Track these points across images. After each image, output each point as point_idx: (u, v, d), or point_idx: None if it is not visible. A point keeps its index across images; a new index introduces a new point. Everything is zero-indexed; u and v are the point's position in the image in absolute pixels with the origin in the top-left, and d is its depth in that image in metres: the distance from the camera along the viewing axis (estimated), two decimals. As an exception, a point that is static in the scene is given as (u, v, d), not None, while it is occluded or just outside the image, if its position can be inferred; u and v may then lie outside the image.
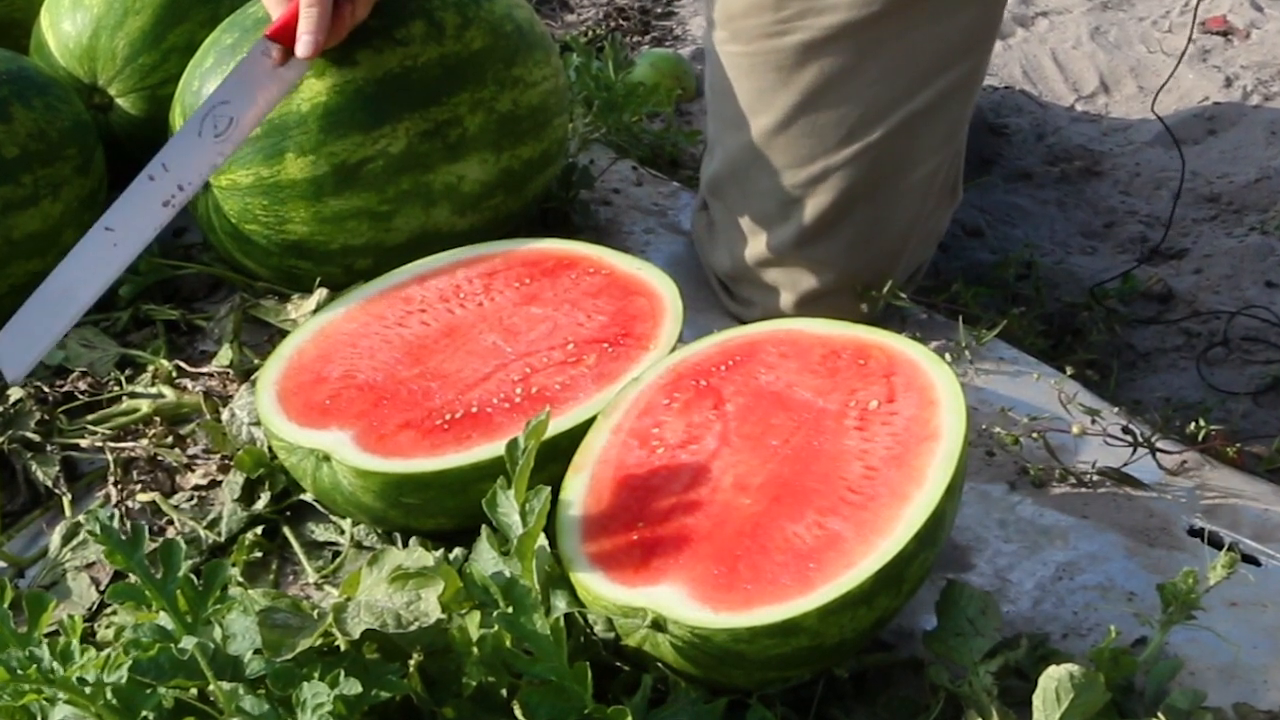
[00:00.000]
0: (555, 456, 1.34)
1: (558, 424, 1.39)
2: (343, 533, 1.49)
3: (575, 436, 1.38)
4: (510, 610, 1.18)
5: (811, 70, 1.75)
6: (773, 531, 1.26)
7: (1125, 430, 1.61)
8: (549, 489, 1.24)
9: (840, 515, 1.27)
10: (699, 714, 1.21)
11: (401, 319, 1.55)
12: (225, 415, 1.59)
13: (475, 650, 1.19)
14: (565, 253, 1.64)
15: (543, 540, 1.26)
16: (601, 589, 1.24)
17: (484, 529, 1.27)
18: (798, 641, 1.21)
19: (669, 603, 1.21)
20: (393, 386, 1.46)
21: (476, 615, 1.21)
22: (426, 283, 1.60)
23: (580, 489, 1.32)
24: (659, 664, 1.24)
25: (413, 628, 1.19)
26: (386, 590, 1.22)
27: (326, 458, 1.40)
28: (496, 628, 1.19)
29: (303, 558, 1.48)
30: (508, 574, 1.22)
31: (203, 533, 1.50)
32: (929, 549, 1.28)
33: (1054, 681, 1.17)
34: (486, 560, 1.26)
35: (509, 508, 1.24)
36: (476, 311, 1.56)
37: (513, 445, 1.25)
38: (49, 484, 1.58)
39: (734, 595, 1.21)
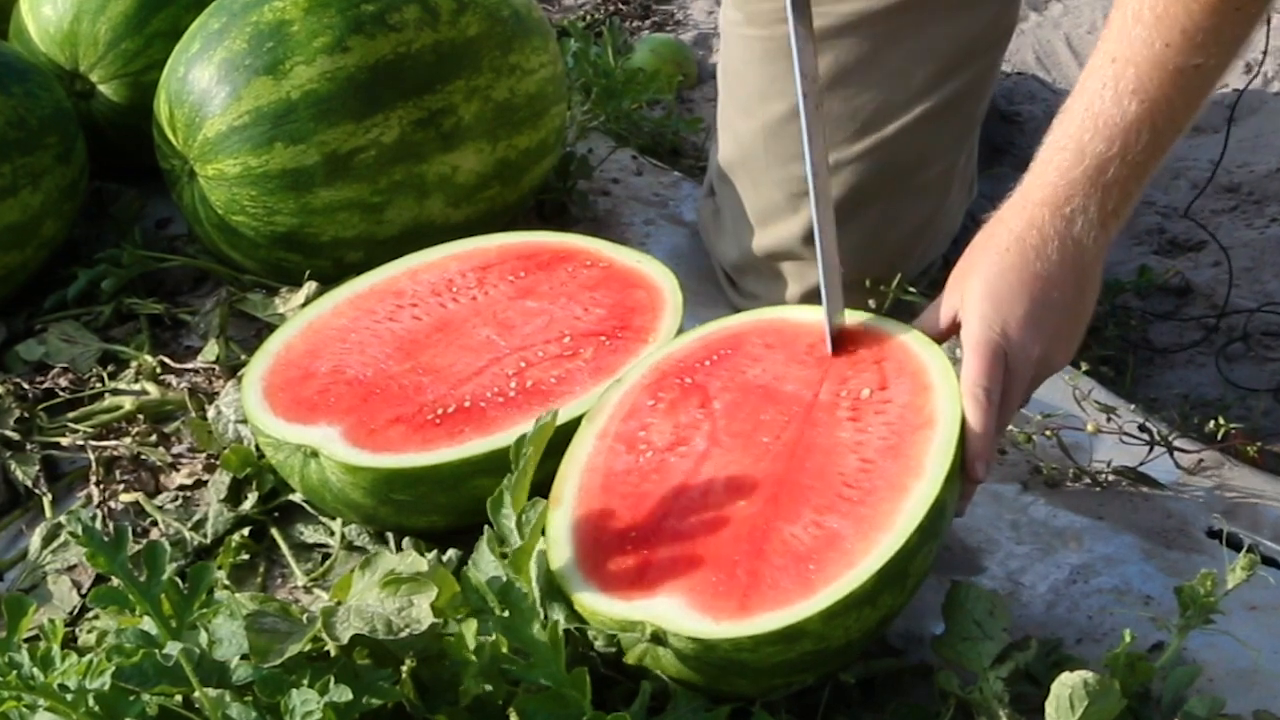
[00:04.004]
0: (551, 452, 1.34)
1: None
2: (333, 534, 1.48)
3: (571, 431, 1.38)
4: (507, 615, 1.18)
5: (826, 58, 1.75)
6: (769, 534, 1.26)
7: (1142, 428, 1.60)
8: (545, 501, 1.24)
9: (838, 513, 1.26)
10: (701, 720, 1.21)
11: (392, 313, 1.55)
12: (211, 413, 1.59)
13: (471, 657, 1.19)
14: (562, 245, 1.64)
15: (542, 545, 1.26)
16: (597, 604, 1.23)
17: (486, 530, 1.27)
18: (802, 646, 1.20)
19: (668, 614, 1.21)
20: (383, 381, 1.46)
21: (473, 623, 1.21)
22: (418, 277, 1.59)
23: (569, 500, 1.32)
24: (661, 676, 1.23)
25: (404, 634, 1.19)
26: (378, 595, 1.22)
27: (314, 454, 1.40)
28: (494, 635, 1.19)
29: (291, 560, 1.47)
30: (505, 578, 1.22)
31: (188, 534, 1.49)
32: (932, 541, 1.28)
33: (1068, 688, 1.17)
34: (487, 564, 1.26)
35: (510, 512, 1.24)
36: (470, 305, 1.56)
37: (520, 443, 1.25)
38: (29, 484, 1.58)
39: (734, 603, 1.21)
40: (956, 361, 1.38)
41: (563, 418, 1.39)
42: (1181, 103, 1.31)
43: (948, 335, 1.42)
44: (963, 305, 1.37)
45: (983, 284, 1.35)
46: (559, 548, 1.28)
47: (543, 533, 1.27)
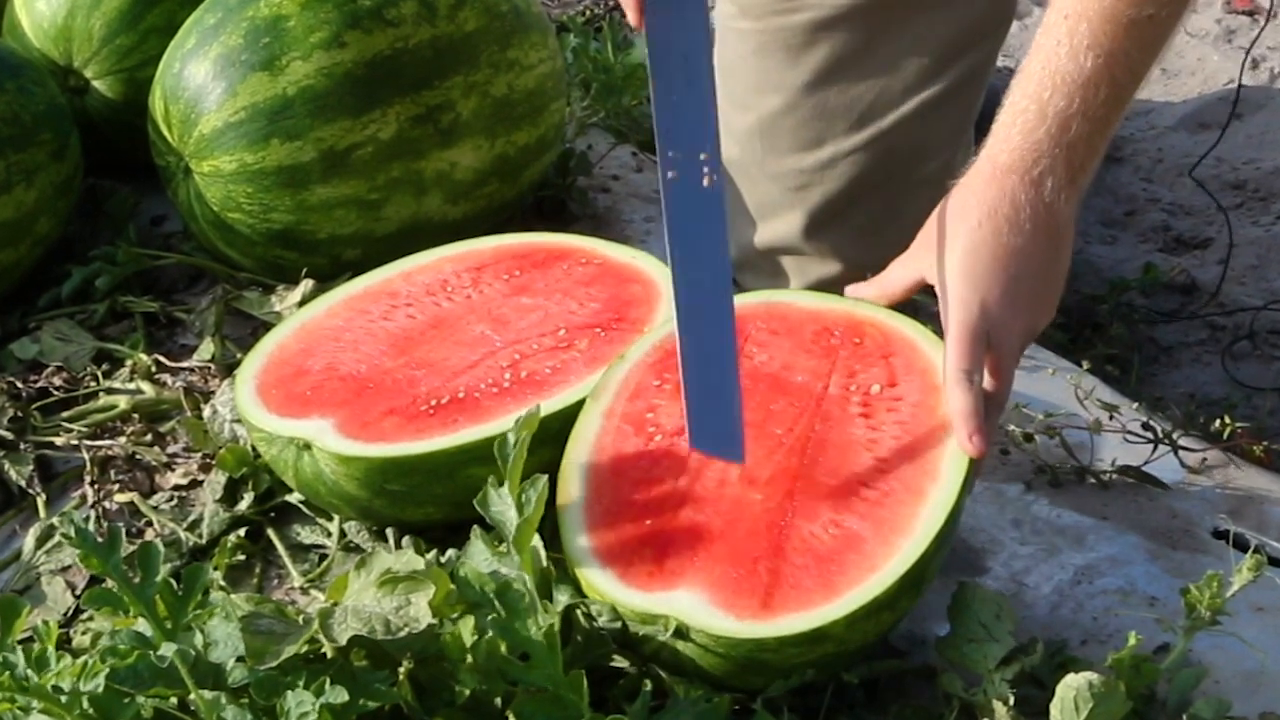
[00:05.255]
0: (546, 440, 1.34)
1: (548, 405, 1.38)
2: (329, 535, 1.48)
3: (567, 418, 1.38)
4: (504, 616, 1.18)
5: (821, 50, 1.75)
6: (788, 531, 1.26)
7: (1145, 427, 1.60)
8: (546, 477, 1.23)
9: (856, 513, 1.27)
10: (701, 714, 1.21)
11: (386, 313, 1.55)
12: (207, 412, 1.59)
13: (468, 657, 1.19)
14: (557, 245, 1.64)
15: (537, 541, 1.25)
16: (617, 594, 1.23)
17: (475, 529, 1.27)
18: (824, 649, 1.21)
19: (689, 609, 1.21)
20: (377, 376, 1.46)
21: (469, 621, 1.21)
22: (413, 278, 1.60)
23: (578, 481, 1.32)
24: (668, 664, 1.23)
25: (402, 634, 1.18)
26: (375, 595, 1.22)
27: (307, 446, 1.40)
28: (490, 633, 1.19)
29: (287, 560, 1.47)
30: (504, 573, 1.22)
31: (183, 535, 1.49)
32: (946, 546, 1.28)
33: (1072, 690, 1.17)
34: (479, 561, 1.26)
35: (503, 504, 1.24)
36: (464, 303, 1.56)
37: (503, 443, 1.25)
38: (23, 484, 1.58)
39: (756, 600, 1.21)
40: (933, 317, 1.38)
41: (557, 405, 1.39)
42: (1138, 54, 1.31)
43: (904, 299, 1.42)
44: (938, 285, 1.37)
45: (957, 263, 1.35)
46: (571, 531, 1.28)
47: (545, 519, 1.26)
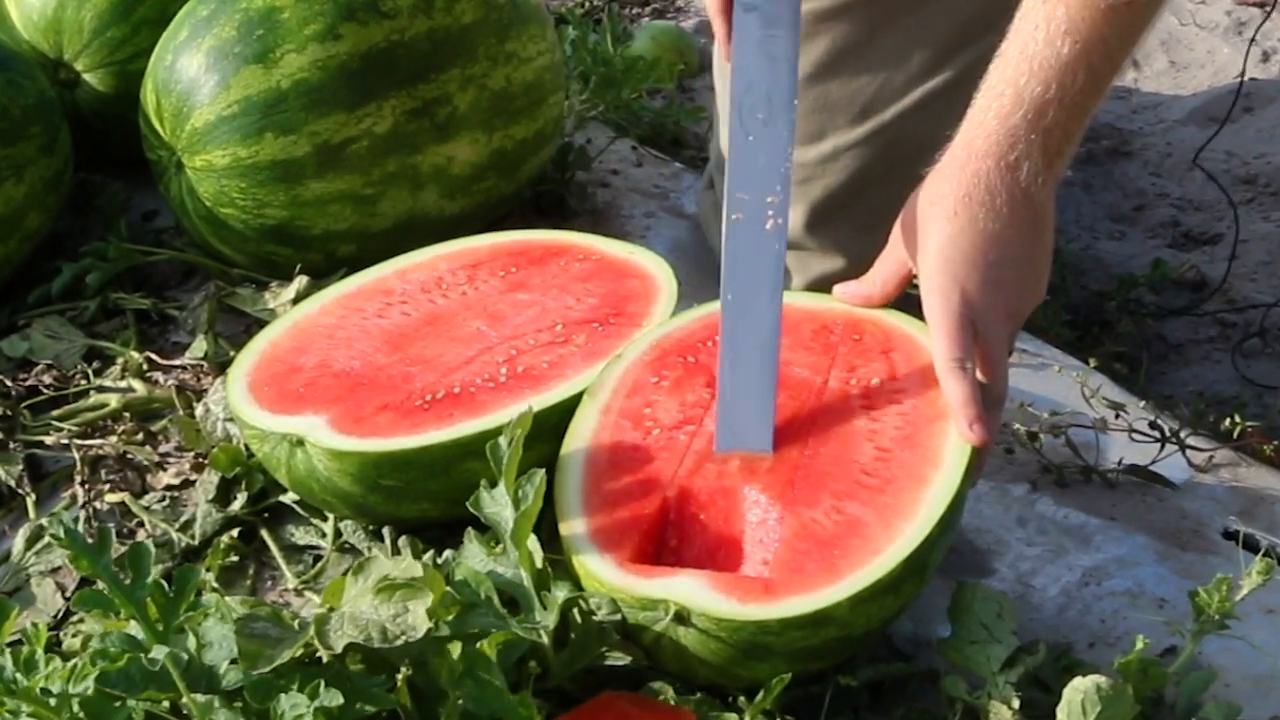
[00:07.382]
0: (543, 435, 1.34)
1: (545, 399, 1.39)
2: (324, 535, 1.48)
3: (565, 411, 1.39)
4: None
5: (822, 41, 1.75)
6: (789, 517, 1.27)
7: (1153, 425, 1.60)
8: (543, 471, 1.24)
9: (858, 500, 1.28)
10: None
11: (381, 310, 1.55)
12: (199, 410, 1.59)
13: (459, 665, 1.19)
14: (554, 241, 1.64)
15: (534, 544, 1.25)
16: (616, 581, 1.24)
17: (469, 530, 1.27)
18: (827, 633, 1.22)
19: (690, 594, 1.21)
20: (371, 373, 1.47)
21: (458, 645, 1.20)
22: (407, 276, 1.60)
23: (576, 474, 1.33)
24: (668, 654, 1.23)
25: (399, 642, 1.18)
26: (372, 601, 1.21)
27: (300, 442, 1.40)
28: (478, 645, 1.18)
29: (281, 562, 1.47)
30: (500, 571, 1.22)
31: (175, 535, 1.49)
32: (949, 533, 1.29)
33: (1079, 694, 1.17)
34: (475, 562, 1.26)
35: (496, 504, 1.24)
36: (460, 300, 1.56)
37: (495, 446, 1.25)
38: (12, 484, 1.58)
39: (759, 584, 1.22)
40: (912, 298, 1.39)
41: (553, 399, 1.40)
42: (1116, 41, 1.31)
43: (896, 294, 1.42)
44: (920, 279, 1.37)
45: (935, 254, 1.35)
46: (568, 518, 1.30)
47: (543, 517, 1.26)
